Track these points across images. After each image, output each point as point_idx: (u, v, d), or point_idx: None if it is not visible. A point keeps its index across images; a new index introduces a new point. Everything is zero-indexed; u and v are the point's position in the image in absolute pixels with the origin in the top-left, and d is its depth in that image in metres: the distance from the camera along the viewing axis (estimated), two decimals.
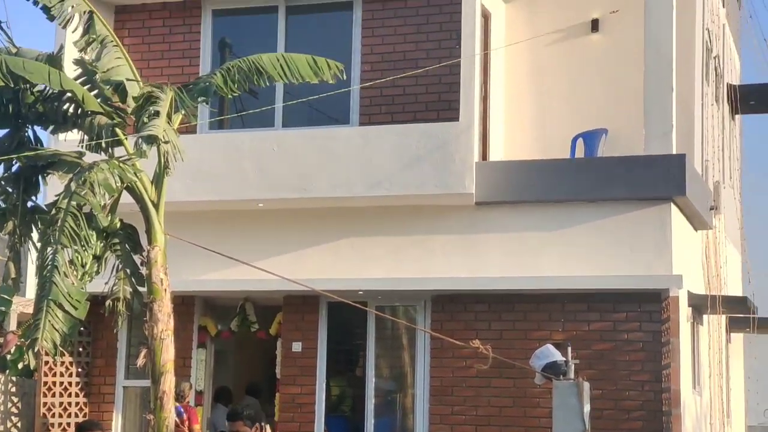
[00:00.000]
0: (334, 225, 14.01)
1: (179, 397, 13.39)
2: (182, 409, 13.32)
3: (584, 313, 13.34)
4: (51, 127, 10.96)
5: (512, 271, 13.33)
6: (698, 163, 14.73)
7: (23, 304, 17.33)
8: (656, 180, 13.03)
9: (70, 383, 14.96)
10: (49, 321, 9.29)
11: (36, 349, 9.20)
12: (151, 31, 15.19)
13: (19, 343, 14.88)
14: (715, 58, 16.85)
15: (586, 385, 11.09)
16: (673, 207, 13.14)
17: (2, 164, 10.73)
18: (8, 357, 15.60)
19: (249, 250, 13.66)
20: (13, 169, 10.81)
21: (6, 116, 10.72)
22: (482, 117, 14.22)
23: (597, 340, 13.22)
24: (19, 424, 14.92)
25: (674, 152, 13.17)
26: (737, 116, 19.75)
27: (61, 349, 9.50)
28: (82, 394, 15.03)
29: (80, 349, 15.07)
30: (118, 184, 9.90)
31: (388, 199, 13.58)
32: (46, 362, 14.53)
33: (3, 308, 16.15)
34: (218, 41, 15.16)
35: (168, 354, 10.12)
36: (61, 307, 9.40)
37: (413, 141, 13.41)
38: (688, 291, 13.67)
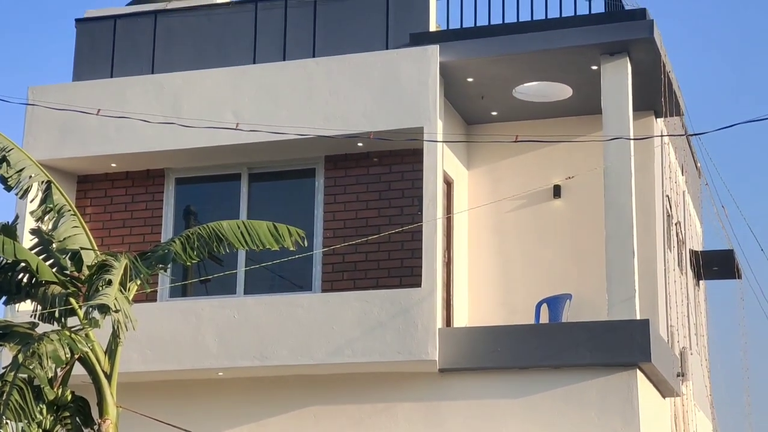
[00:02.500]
0: (296, 393, 13.77)
1: None
2: None
3: None
4: (4, 298, 10.84)
5: None
6: (663, 329, 14.67)
7: None
8: (621, 346, 12.92)
9: None
10: None
11: None
12: (114, 199, 15.22)
13: None
14: (676, 224, 17.00)
15: None
16: (639, 373, 13.00)
17: None
18: None
19: (208, 421, 13.38)
20: None
21: None
22: (445, 283, 14.20)
23: None
24: None
25: (638, 318, 13.11)
26: (701, 282, 19.83)
27: None
28: None
29: None
30: (68, 356, 9.72)
31: (350, 366, 13.40)
32: None
33: None
34: (181, 208, 15.19)
35: None
36: None
37: (376, 307, 13.32)
38: None
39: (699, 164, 19.37)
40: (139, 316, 10.57)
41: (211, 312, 13.83)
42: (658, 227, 14.86)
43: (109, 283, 9.66)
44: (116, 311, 9.51)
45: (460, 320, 14.56)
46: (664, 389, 14.43)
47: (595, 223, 14.24)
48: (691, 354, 16.29)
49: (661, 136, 15.11)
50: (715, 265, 18.60)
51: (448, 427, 13.28)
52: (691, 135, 15.10)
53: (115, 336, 10.03)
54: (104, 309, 9.36)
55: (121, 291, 9.77)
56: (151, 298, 14.24)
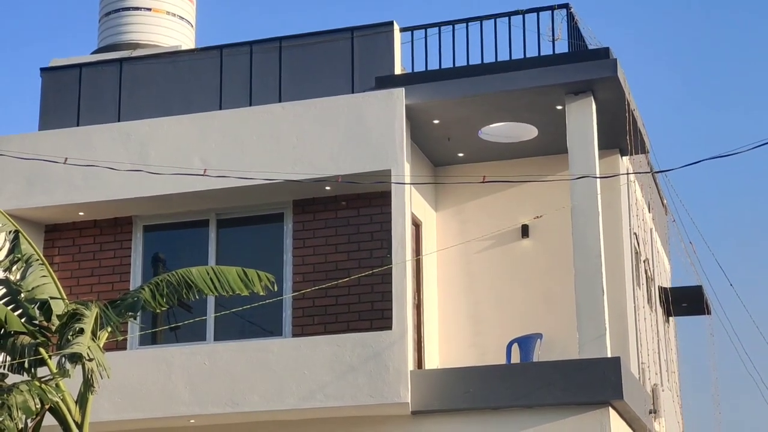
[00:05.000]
0: None
1: None
2: None
3: None
4: None
5: None
6: (635, 366, 14.71)
7: None
8: (593, 384, 12.93)
9: None
10: None
11: None
12: (82, 248, 15.14)
13: None
14: (644, 261, 17.10)
15: None
16: (612, 411, 13.00)
17: None
18: None
19: None
20: None
21: None
22: (416, 325, 14.20)
23: None
24: None
25: (609, 355, 13.14)
26: (671, 318, 19.93)
27: None
28: None
29: None
30: (38, 406, 9.63)
31: (323, 410, 13.34)
32: None
33: None
34: (150, 256, 15.13)
35: None
36: None
37: (347, 351, 13.29)
38: None
39: (665, 201, 19.53)
40: (110, 365, 10.49)
41: (181, 359, 13.74)
42: (627, 265, 14.95)
43: (81, 331, 9.60)
44: (89, 360, 9.44)
45: (431, 362, 14.53)
46: (637, 427, 14.43)
47: (563, 262, 14.30)
48: (663, 390, 16.35)
49: (627, 174, 15.23)
50: (684, 301, 18.71)
51: None
52: (657, 172, 15.24)
53: (87, 385, 9.95)
54: (77, 358, 9.29)
55: (93, 339, 9.70)
56: (121, 346, 14.13)
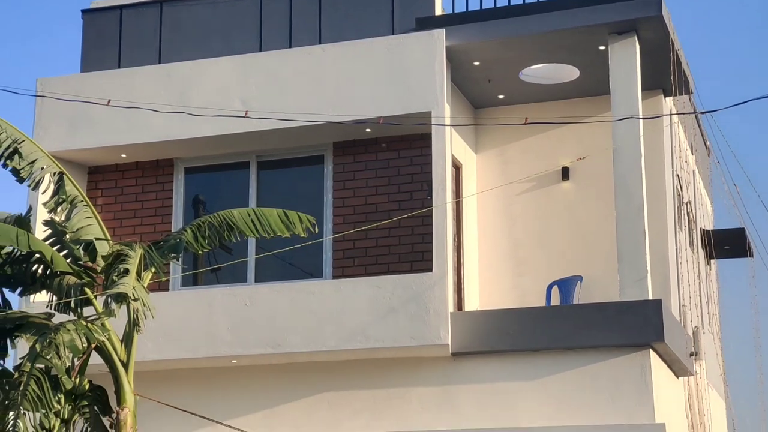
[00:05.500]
0: (309, 380, 13.80)
1: None
2: None
3: None
4: (19, 289, 10.85)
5: (491, 423, 13.07)
6: (676, 309, 14.67)
7: None
8: (634, 326, 12.91)
9: None
10: None
11: None
12: (124, 190, 15.24)
13: None
14: (687, 203, 16.98)
15: None
16: (653, 353, 12.99)
17: None
18: None
19: (223, 408, 13.42)
20: None
21: None
22: (456, 267, 14.20)
23: None
24: None
25: (650, 298, 13.10)
26: (713, 261, 19.81)
27: None
28: None
29: None
30: (85, 345, 9.74)
31: (363, 352, 13.41)
32: None
33: None
34: (191, 198, 15.21)
35: None
36: None
37: (387, 293, 13.33)
38: None
39: (708, 143, 19.34)
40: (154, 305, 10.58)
41: (223, 300, 13.85)
42: (669, 207, 14.84)
43: (126, 272, 9.67)
44: (135, 300, 9.52)
45: (471, 304, 14.56)
46: (678, 369, 14.44)
47: (604, 205, 14.23)
48: (704, 333, 16.30)
49: (671, 114, 15.08)
50: (726, 243, 18.57)
51: (461, 410, 13.29)
52: (702, 113, 15.05)
53: (132, 324, 10.05)
54: (122, 298, 9.37)
55: (137, 280, 9.78)
56: (163, 287, 14.27)
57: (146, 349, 13.18)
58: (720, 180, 16.25)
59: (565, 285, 14.30)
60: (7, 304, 10.78)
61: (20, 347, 11.32)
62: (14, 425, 9.17)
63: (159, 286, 13.94)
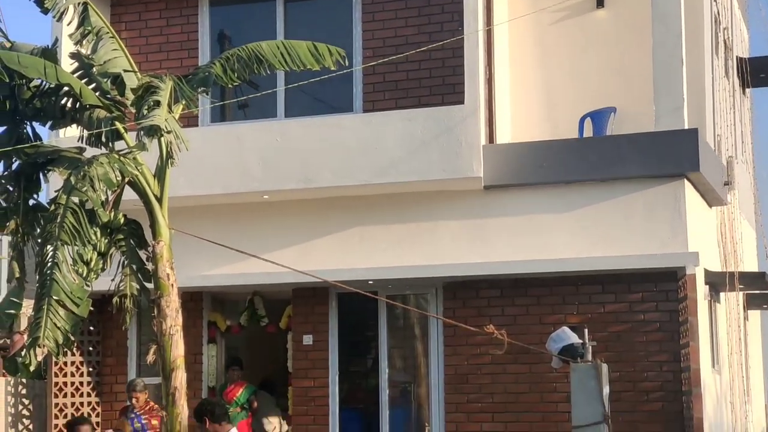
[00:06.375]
0: (341, 215, 13.78)
1: (130, 397, 13.07)
2: (141, 417, 13.04)
3: (599, 295, 13.11)
4: (50, 123, 10.77)
5: (523, 255, 13.09)
6: (710, 138, 14.46)
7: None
8: (668, 156, 12.76)
9: (81, 383, 14.80)
10: (51, 319, 9.11)
11: (35, 348, 8.99)
12: (148, 23, 14.96)
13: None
14: (723, 30, 16.55)
15: (605, 367, 10.81)
16: (687, 183, 12.89)
17: (2, 162, 10.53)
18: (18, 360, 15.37)
19: (255, 243, 13.44)
20: (13, 167, 10.63)
21: (3, 113, 10.54)
22: (488, 99, 13.92)
23: (613, 322, 12.98)
24: (31, 426, 14.72)
25: (686, 127, 12.90)
26: (748, 89, 19.43)
27: (64, 348, 9.29)
28: (94, 393, 14.87)
29: (90, 349, 14.90)
30: (119, 179, 9.69)
31: (394, 186, 13.34)
32: (56, 363, 14.34)
33: (12, 311, 15.95)
34: (216, 32, 14.92)
35: (178, 350, 9.95)
36: (62, 304, 9.21)
37: (418, 126, 13.17)
38: (705, 269, 13.42)
39: None
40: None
41: (253, 135, 13.73)
42: (707, 34, 14.47)
43: (158, 104, 9.52)
44: (168, 132, 9.40)
45: (503, 137, 14.36)
46: (711, 198, 14.34)
47: (639, 33, 13.88)
48: (737, 163, 16.11)
49: None
50: (762, 71, 18.16)
51: (493, 243, 13.29)
52: None
53: (165, 158, 9.95)
54: (155, 130, 9.24)
55: (169, 112, 9.64)
56: (192, 123, 14.13)
57: (178, 185, 13.06)
58: (757, 5, 15.79)
59: (598, 117, 14.06)
60: (37, 137, 10.68)
61: (52, 182, 11.26)
62: (53, 257, 9.19)
63: (187, 122, 13.79)
